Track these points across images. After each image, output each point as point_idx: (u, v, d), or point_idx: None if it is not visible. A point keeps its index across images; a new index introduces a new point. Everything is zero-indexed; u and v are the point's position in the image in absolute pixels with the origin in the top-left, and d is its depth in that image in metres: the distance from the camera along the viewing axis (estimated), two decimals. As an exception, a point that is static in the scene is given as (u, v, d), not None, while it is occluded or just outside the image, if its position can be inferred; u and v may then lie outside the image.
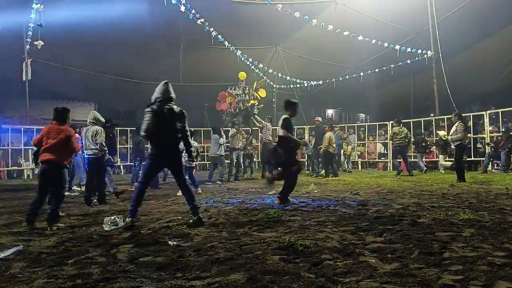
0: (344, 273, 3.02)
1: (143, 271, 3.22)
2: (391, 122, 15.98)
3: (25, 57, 13.23)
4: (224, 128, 14.35)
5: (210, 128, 14.14)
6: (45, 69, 16.50)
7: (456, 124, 10.53)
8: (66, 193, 9.91)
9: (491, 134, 14.62)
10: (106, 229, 5.03)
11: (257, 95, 16.26)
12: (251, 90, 15.02)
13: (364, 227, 4.67)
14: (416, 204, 6.32)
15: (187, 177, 10.03)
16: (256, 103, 14.96)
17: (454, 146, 10.63)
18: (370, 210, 5.96)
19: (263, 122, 14.00)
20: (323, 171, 13.78)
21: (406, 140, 13.47)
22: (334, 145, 13.40)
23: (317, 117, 15.63)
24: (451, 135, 10.67)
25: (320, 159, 14.04)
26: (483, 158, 14.02)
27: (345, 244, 3.87)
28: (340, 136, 16.36)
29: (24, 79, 13.34)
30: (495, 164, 14.21)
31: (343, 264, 3.23)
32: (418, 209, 5.86)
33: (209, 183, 11.86)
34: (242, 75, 15.07)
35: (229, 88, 14.52)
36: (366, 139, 19.50)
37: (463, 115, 11.48)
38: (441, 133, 14.96)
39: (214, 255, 3.61)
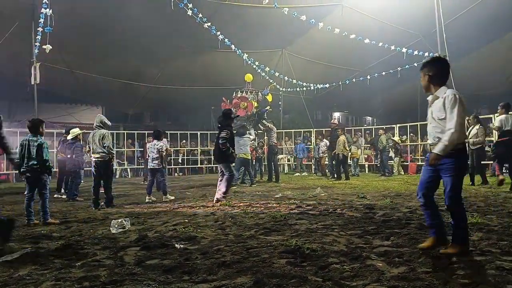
0: (351, 277, 3.01)
1: (150, 274, 3.24)
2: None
3: (33, 61, 13.33)
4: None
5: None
6: (53, 73, 16.64)
7: (477, 127, 10.40)
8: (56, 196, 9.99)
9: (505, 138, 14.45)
10: (114, 232, 5.06)
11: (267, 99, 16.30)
12: (260, 95, 15.00)
13: (371, 231, 4.66)
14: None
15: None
16: (268, 107, 14.96)
17: (473, 149, 10.44)
18: (377, 213, 5.94)
19: (269, 125, 14.03)
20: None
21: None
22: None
23: (332, 120, 15.79)
24: (470, 138, 10.48)
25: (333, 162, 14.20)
26: (492, 162, 13.87)
27: (352, 248, 3.86)
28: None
29: (32, 82, 13.44)
30: (504, 168, 14.06)
31: (350, 267, 3.23)
32: (426, 212, 5.81)
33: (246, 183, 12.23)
34: (249, 77, 15.04)
35: (239, 92, 14.47)
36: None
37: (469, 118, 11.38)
38: (396, 138, 16.33)
39: (220, 258, 3.62)
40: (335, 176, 13.90)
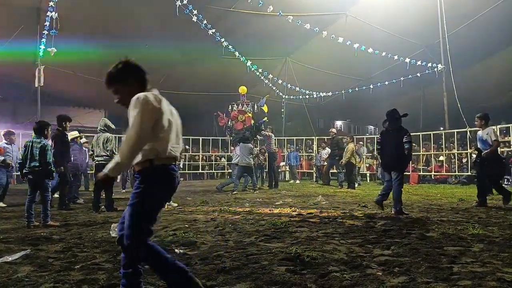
0: (351, 286, 2.99)
1: (149, 278, 3.22)
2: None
3: (38, 63, 13.40)
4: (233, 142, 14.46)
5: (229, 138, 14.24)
6: (57, 76, 16.72)
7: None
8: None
9: (501, 149, 14.46)
10: (113, 235, 5.05)
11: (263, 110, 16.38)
12: (256, 107, 14.98)
13: (372, 240, 4.64)
14: (425, 218, 6.26)
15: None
16: (266, 118, 14.99)
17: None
18: (378, 223, 5.92)
19: (267, 133, 14.10)
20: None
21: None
22: (357, 157, 13.60)
23: (331, 129, 15.91)
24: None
25: (338, 170, 14.21)
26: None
27: (352, 257, 3.84)
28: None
29: (36, 85, 13.50)
30: (505, 179, 14.03)
31: (350, 276, 3.21)
32: (427, 223, 5.81)
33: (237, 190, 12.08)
34: (243, 89, 15.01)
35: (235, 106, 14.48)
36: (375, 151, 19.39)
37: (472, 129, 11.34)
38: None
39: (220, 264, 3.60)
40: (341, 184, 13.84)
